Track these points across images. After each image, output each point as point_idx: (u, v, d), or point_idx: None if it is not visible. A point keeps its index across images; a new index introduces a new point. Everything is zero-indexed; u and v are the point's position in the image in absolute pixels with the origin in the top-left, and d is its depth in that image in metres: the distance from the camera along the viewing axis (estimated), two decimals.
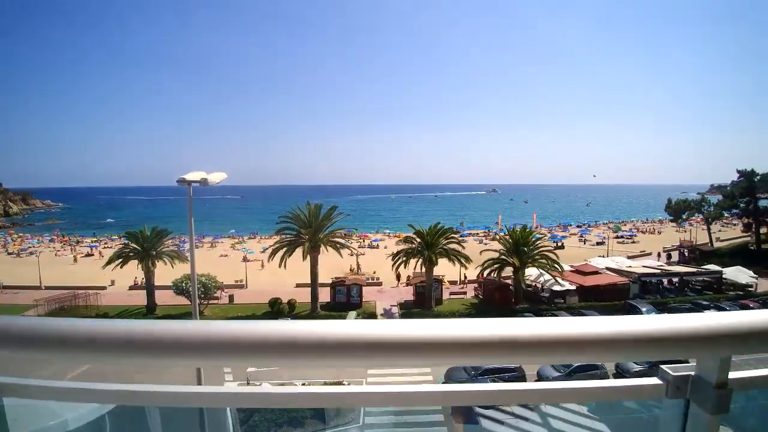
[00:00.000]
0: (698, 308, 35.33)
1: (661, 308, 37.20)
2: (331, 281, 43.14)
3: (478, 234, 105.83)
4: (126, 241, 41.51)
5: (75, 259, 74.95)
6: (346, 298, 40.21)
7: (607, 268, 46.21)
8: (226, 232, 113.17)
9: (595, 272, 43.09)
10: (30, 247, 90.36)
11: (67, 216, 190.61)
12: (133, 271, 43.25)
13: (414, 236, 40.12)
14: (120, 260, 39.09)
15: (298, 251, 37.56)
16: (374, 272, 56.69)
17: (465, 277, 48.35)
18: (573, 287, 39.64)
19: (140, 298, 41.80)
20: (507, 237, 41.95)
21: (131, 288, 50.12)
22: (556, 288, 38.86)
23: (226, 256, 78.82)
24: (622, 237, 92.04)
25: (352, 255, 58.74)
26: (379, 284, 50.80)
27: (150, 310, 38.60)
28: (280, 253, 37.58)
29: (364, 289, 42.25)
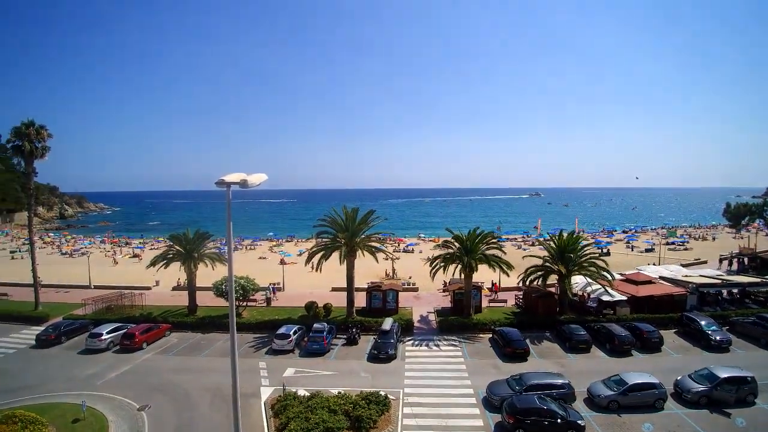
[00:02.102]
0: (763, 322, 32.17)
1: (722, 322, 34.14)
2: (367, 286, 42.69)
3: (516, 239, 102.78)
4: (170, 243, 42.70)
5: (115, 261, 78.22)
6: (382, 304, 39.50)
7: (661, 278, 43.05)
8: (265, 235, 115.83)
9: (649, 281, 40.14)
10: (82, 248, 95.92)
11: (118, 218, 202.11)
12: (177, 272, 44.56)
13: (452, 241, 38.99)
14: (164, 262, 40.25)
15: (335, 255, 37.28)
16: (410, 277, 55.85)
17: (493, 284, 46.42)
18: (624, 298, 37.06)
19: (183, 299, 42.82)
20: (551, 242, 40.00)
21: (174, 289, 51.79)
22: (606, 298, 36.46)
23: (264, 258, 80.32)
24: (673, 243, 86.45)
25: (387, 259, 58.25)
26: (415, 290, 49.84)
27: (191, 311, 39.43)
28: (317, 256, 37.46)
29: (400, 294, 41.44)
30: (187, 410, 22.02)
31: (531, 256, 41.42)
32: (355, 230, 37.27)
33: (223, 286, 36.96)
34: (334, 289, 48.22)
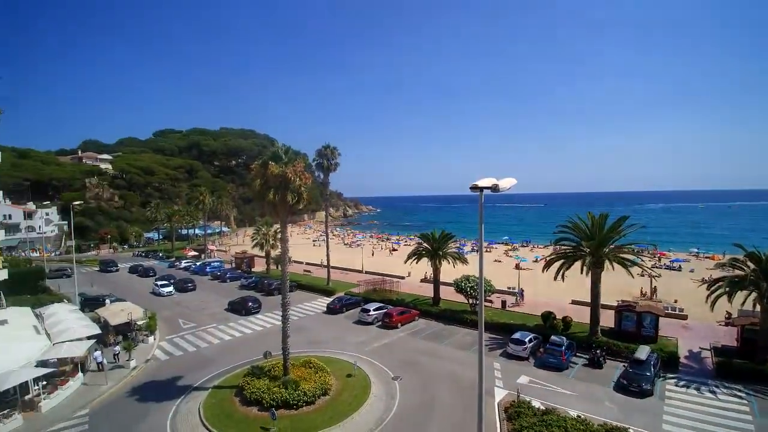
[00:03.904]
0: None
1: None
2: (616, 304, 37.62)
3: None
4: (420, 241, 49.19)
5: (372, 253, 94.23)
6: (635, 328, 33.79)
7: None
8: (500, 238, 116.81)
9: None
10: (357, 240, 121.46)
11: (381, 218, 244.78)
12: (424, 266, 50.77)
13: (743, 260, 29.88)
14: (415, 257, 46.73)
15: (576, 265, 34.36)
16: (675, 301, 45.79)
17: None
18: None
19: (428, 290, 48.65)
20: None
21: (422, 281, 58.97)
22: None
23: (499, 261, 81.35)
24: None
25: (643, 276, 49.29)
26: (683, 317, 40.41)
27: (435, 302, 44.23)
28: (556, 264, 35.48)
29: (660, 320, 34.53)
30: (429, 390, 25.07)
31: None
32: (602, 238, 33.40)
33: (462, 284, 39.86)
34: (573, 302, 44.73)
